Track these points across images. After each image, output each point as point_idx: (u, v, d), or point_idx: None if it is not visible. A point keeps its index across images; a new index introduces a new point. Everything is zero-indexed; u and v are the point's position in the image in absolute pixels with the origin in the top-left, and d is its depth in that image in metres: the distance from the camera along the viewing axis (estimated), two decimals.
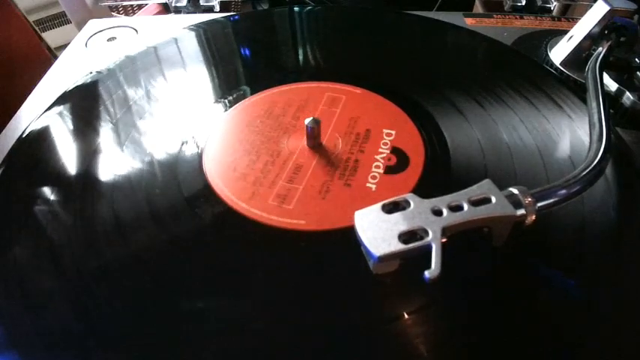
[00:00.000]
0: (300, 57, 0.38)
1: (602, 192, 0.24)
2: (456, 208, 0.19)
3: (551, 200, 0.20)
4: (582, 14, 0.35)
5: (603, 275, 0.22)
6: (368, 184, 0.25)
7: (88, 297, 0.21)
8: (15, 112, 0.34)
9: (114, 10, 0.57)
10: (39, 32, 0.62)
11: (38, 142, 0.29)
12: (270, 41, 0.40)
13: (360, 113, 0.30)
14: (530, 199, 0.19)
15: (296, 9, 0.43)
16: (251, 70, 0.37)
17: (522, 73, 0.33)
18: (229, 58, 0.38)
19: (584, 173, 0.21)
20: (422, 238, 0.18)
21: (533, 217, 0.19)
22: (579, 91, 0.30)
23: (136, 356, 0.19)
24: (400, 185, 0.25)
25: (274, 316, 0.20)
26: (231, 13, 0.45)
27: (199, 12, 0.48)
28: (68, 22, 0.82)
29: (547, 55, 0.37)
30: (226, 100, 0.32)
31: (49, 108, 0.31)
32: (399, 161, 0.26)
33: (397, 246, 0.17)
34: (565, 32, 0.37)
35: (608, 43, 0.32)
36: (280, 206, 0.24)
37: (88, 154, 0.28)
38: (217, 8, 0.48)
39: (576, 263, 0.22)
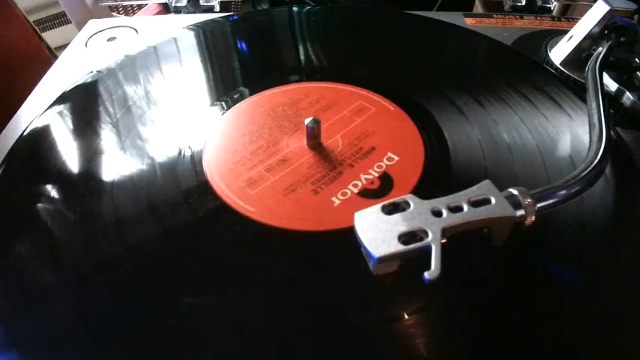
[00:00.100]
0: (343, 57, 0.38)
1: (602, 192, 0.24)
2: (455, 209, 0.19)
3: (550, 201, 0.20)
4: (582, 14, 0.35)
5: (603, 275, 0.22)
6: (334, 198, 0.24)
7: (88, 297, 0.21)
8: (15, 112, 0.34)
9: (114, 10, 0.57)
10: (39, 32, 0.62)
11: (38, 141, 0.29)
12: (279, 39, 0.40)
13: (376, 129, 0.29)
14: (529, 200, 0.19)
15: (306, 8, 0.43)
16: (276, 61, 0.37)
17: (522, 73, 0.33)
18: (234, 56, 0.38)
19: (584, 174, 0.21)
20: (422, 239, 0.18)
21: (533, 217, 0.19)
22: (579, 91, 0.30)
23: (136, 356, 0.19)
24: None
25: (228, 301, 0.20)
26: (231, 13, 0.45)
27: (199, 12, 0.48)
28: (68, 22, 0.82)
29: (547, 55, 0.37)
30: (233, 97, 0.32)
31: (49, 107, 0.31)
32: (380, 188, 0.25)
33: (397, 247, 0.17)
34: (565, 32, 0.37)
35: (608, 43, 0.32)
36: (244, 189, 0.25)
37: (88, 153, 0.28)
38: (217, 8, 0.48)
39: (576, 263, 0.22)
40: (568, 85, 0.32)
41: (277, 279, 0.22)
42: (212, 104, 0.32)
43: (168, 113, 0.31)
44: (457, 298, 0.21)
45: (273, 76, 0.34)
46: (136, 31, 0.43)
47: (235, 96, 0.32)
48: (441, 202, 0.19)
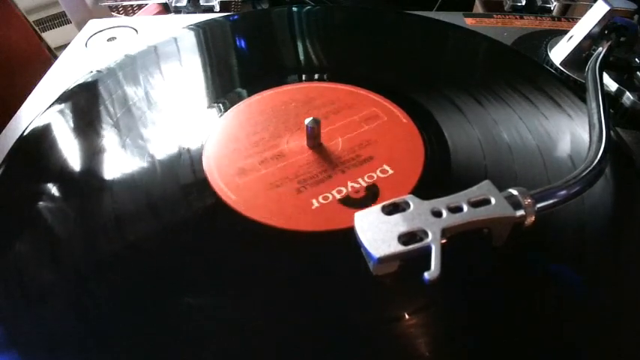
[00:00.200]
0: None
1: (602, 192, 0.24)
2: (455, 210, 0.19)
3: (550, 201, 0.20)
4: (582, 14, 0.35)
5: (603, 275, 0.22)
6: (314, 200, 0.24)
7: (88, 296, 0.21)
8: (15, 112, 0.34)
9: (114, 10, 0.57)
10: (39, 32, 0.62)
11: (38, 141, 0.29)
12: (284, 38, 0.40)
13: (380, 139, 0.28)
14: (529, 200, 0.19)
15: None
16: (290, 59, 0.38)
17: (522, 73, 0.33)
18: (234, 55, 0.38)
19: (584, 174, 0.21)
20: (421, 240, 0.18)
21: (533, 218, 0.19)
22: (579, 91, 0.30)
23: (136, 356, 0.19)
24: (337, 219, 0.23)
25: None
26: (231, 13, 0.45)
27: (199, 12, 0.48)
28: (68, 22, 0.82)
29: (547, 55, 0.37)
30: (243, 92, 0.32)
31: (50, 107, 0.31)
32: (364, 198, 0.24)
33: (397, 247, 0.17)
34: (565, 32, 0.37)
35: (608, 43, 0.32)
36: (233, 177, 0.25)
37: (88, 153, 0.28)
38: (217, 8, 0.48)
39: (576, 263, 0.22)
40: (568, 85, 0.32)
41: (261, 275, 0.22)
42: (211, 105, 0.32)
43: (168, 112, 0.31)
44: (457, 298, 0.21)
45: (272, 76, 0.34)
46: (136, 31, 0.43)
47: (235, 95, 0.32)
48: (440, 203, 0.19)
